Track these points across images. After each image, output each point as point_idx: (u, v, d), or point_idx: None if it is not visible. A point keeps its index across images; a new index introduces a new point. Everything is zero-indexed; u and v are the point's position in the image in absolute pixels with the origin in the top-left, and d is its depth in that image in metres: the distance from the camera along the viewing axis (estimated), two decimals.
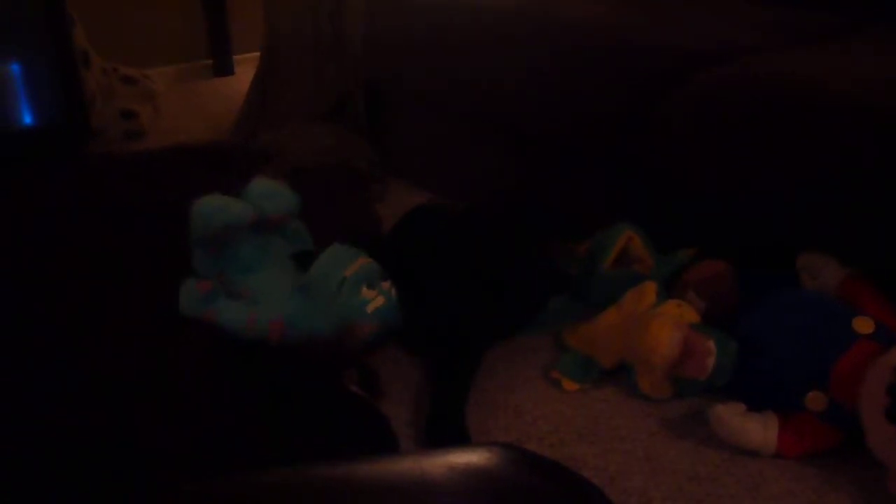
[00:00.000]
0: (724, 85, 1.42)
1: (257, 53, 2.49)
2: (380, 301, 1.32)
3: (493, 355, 1.40)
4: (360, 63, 2.10)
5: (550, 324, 1.48)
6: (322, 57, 2.17)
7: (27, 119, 2.18)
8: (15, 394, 1.25)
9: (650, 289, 1.36)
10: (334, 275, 1.31)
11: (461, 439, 1.19)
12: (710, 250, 1.42)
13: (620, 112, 1.54)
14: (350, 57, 2.11)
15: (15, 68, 2.14)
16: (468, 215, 1.66)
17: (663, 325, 1.26)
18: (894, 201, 1.21)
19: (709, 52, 1.49)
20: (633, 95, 1.53)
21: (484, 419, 1.25)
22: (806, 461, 1.16)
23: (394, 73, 2.06)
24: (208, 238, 1.35)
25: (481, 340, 1.41)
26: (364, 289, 1.31)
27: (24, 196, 1.96)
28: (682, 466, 1.16)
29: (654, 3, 1.88)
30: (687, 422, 1.25)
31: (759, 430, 1.16)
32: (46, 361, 1.33)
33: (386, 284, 1.34)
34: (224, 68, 3.07)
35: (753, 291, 1.31)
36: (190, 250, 1.40)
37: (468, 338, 1.39)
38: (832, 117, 1.29)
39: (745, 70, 1.42)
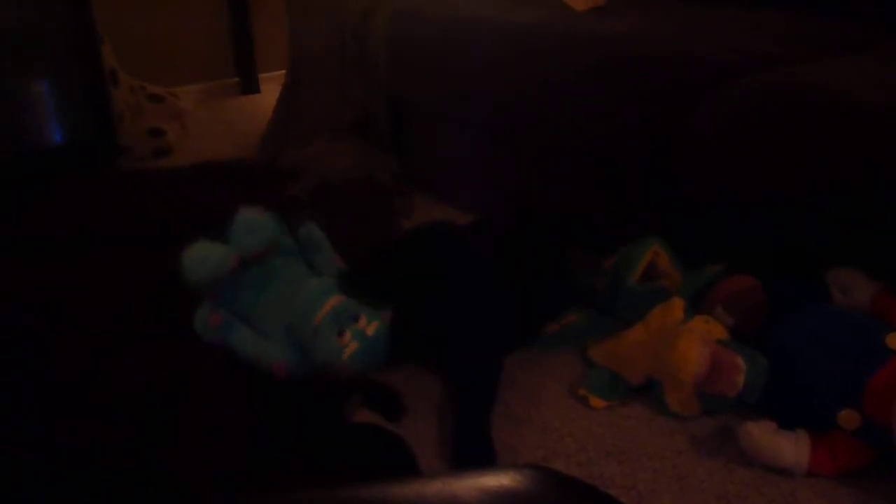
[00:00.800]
0: (751, 96, 1.41)
1: (282, 72, 2.51)
2: (353, 346, 1.28)
3: (518, 371, 1.40)
4: (384, 79, 2.11)
5: (576, 339, 1.47)
6: (347, 74, 2.18)
7: (56, 136, 2.22)
8: (34, 408, 1.26)
9: (677, 305, 1.34)
10: (307, 323, 1.30)
11: (489, 459, 1.19)
12: (739, 265, 1.41)
13: (646, 125, 1.54)
14: (374, 73, 2.12)
15: (45, 86, 2.17)
16: (476, 227, 1.66)
17: (691, 342, 1.25)
18: None
19: (735, 64, 1.48)
20: (658, 108, 1.52)
21: (510, 435, 1.24)
22: (839, 480, 1.14)
23: (417, 87, 2.07)
24: (199, 286, 1.38)
25: (495, 350, 1.40)
26: (335, 336, 1.28)
27: (52, 212, 1.98)
28: (712, 485, 1.14)
29: (679, 16, 1.87)
30: (716, 440, 1.23)
31: (791, 448, 1.14)
32: (69, 377, 1.34)
33: (361, 322, 1.30)
34: (250, 86, 3.10)
35: (783, 307, 1.29)
36: None
37: (482, 349, 1.38)
38: (861, 127, 1.27)
39: (773, 81, 1.41)
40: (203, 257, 1.36)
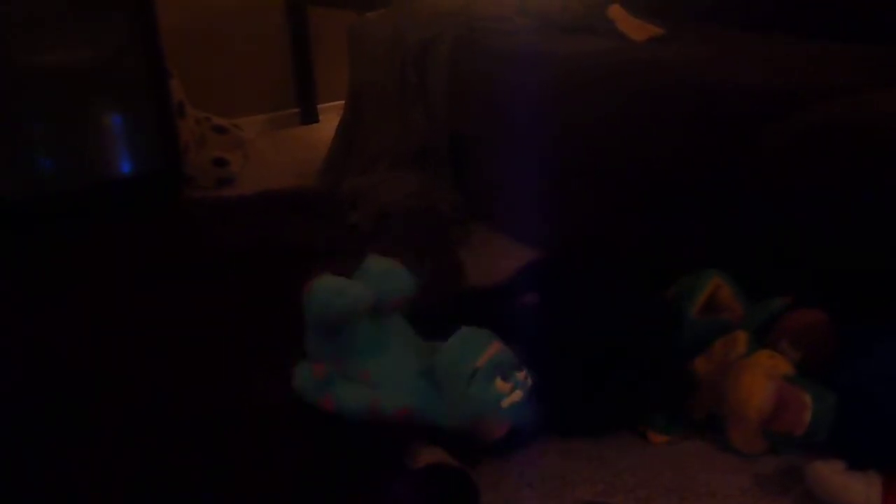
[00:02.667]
0: (819, 126, 1.38)
1: (340, 102, 2.57)
2: (516, 396, 1.20)
3: None
4: (443, 109, 2.13)
5: None
6: (407, 104, 2.21)
7: (126, 167, 2.29)
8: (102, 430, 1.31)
9: (741, 338, 1.31)
10: (465, 364, 1.20)
11: None
12: (805, 298, 1.37)
13: (709, 155, 1.52)
14: (434, 104, 2.14)
15: (117, 119, 2.25)
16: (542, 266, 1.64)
17: (756, 376, 1.22)
18: None
19: (800, 93, 1.46)
20: (722, 138, 1.50)
21: (568, 469, 1.23)
22: None
23: (477, 117, 2.09)
24: (326, 322, 1.28)
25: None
26: (498, 381, 1.19)
27: (123, 240, 2.05)
28: None
29: (738, 45, 1.85)
30: (782, 479, 1.19)
31: (861, 490, 1.10)
32: (143, 402, 1.38)
33: (521, 374, 1.22)
34: (310, 116, 3.17)
35: (852, 342, 1.25)
36: (303, 332, 1.34)
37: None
38: None
39: (841, 110, 1.38)
40: (340, 290, 1.26)
